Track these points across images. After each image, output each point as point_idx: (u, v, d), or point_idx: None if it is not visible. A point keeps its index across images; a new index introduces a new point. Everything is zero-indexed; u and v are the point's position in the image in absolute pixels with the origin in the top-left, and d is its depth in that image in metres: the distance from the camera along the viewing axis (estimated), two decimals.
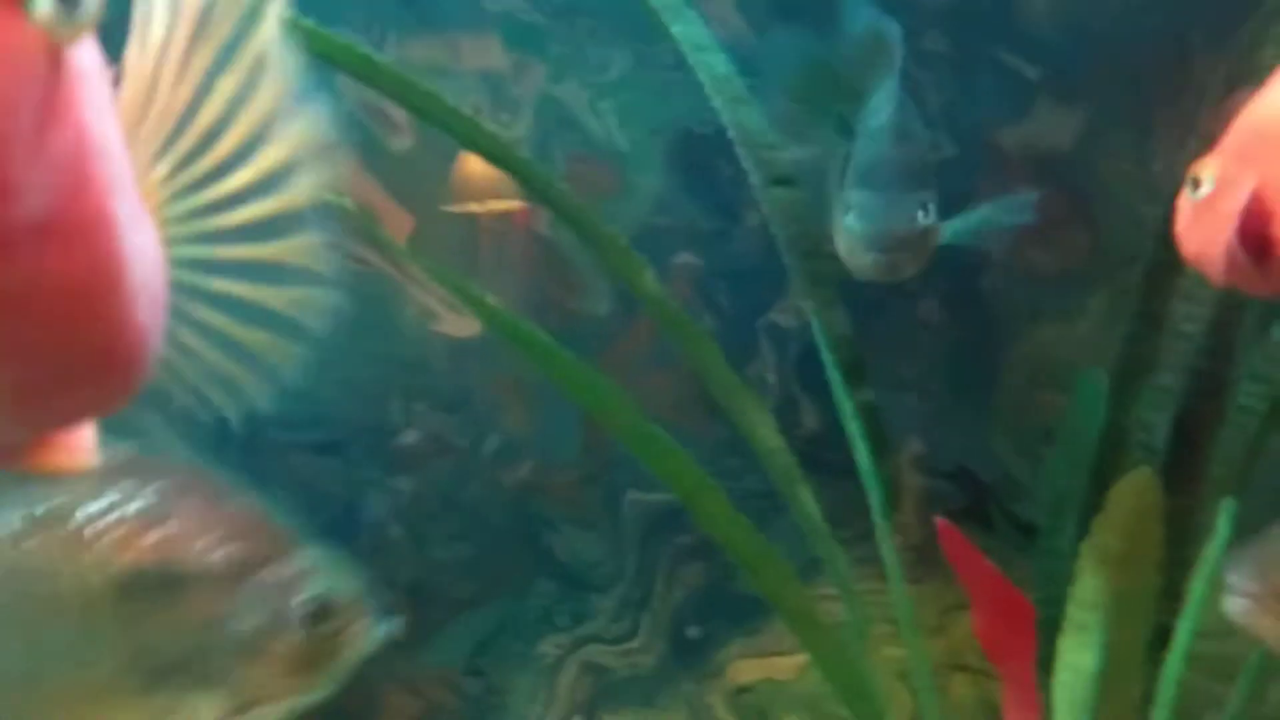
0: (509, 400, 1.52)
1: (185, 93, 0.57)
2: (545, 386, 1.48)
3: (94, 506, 0.89)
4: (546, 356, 1.15)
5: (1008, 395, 1.59)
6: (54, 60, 0.43)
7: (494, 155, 1.19)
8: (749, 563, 1.27)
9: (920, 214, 1.22)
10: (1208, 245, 0.93)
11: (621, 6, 1.49)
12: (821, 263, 1.31)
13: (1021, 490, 1.56)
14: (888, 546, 1.28)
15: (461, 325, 1.49)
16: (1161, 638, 1.15)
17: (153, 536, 0.91)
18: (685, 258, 1.54)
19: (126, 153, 0.49)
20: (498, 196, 1.47)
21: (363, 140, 1.48)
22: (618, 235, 1.21)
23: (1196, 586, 1.12)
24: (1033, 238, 1.57)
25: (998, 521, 1.58)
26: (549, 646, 1.54)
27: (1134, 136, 1.56)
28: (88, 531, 0.88)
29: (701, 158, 1.53)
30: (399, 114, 1.48)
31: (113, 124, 0.48)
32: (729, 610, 1.55)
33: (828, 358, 1.31)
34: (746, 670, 1.55)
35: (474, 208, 1.46)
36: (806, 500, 1.24)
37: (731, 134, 1.29)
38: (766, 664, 1.53)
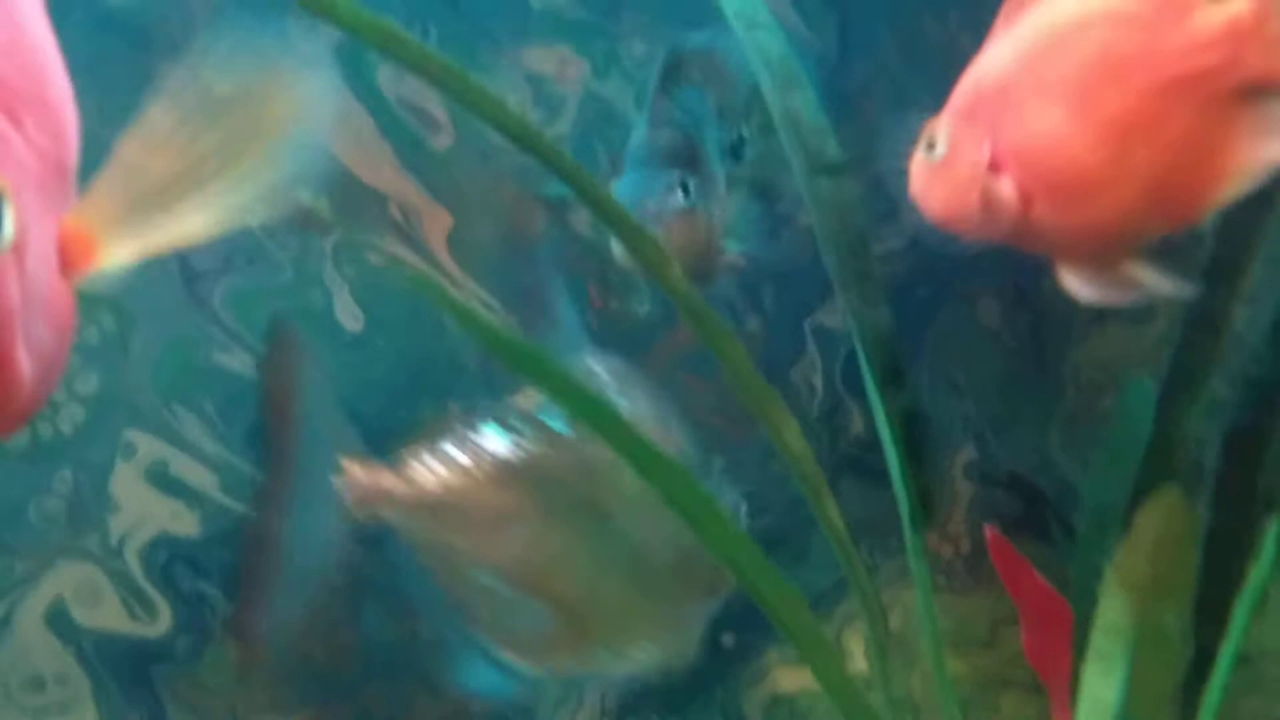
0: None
1: (171, 166, 0.70)
2: None
3: None
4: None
5: (1069, 401, 1.53)
6: None
7: (533, 148, 1.16)
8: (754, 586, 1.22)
9: (679, 194, 1.21)
10: (952, 203, 0.98)
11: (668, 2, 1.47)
12: (865, 260, 1.26)
13: (1080, 500, 1.50)
14: (917, 559, 1.23)
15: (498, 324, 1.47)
16: (1205, 664, 1.09)
17: None
18: (731, 258, 1.50)
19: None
20: None
21: (402, 138, 1.46)
22: (648, 232, 1.18)
23: (1239, 611, 1.06)
24: None
25: (1054, 532, 1.52)
26: None
27: None
28: None
29: (746, 155, 1.49)
30: (439, 112, 1.46)
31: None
32: (766, 617, 1.51)
33: (863, 359, 1.26)
34: (785, 679, 1.50)
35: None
36: (831, 512, 1.19)
37: (777, 119, 1.25)
38: (805, 673, 1.49)
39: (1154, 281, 0.98)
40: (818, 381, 1.53)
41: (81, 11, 1.35)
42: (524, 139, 1.08)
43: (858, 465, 1.51)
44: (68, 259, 0.68)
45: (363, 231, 1.46)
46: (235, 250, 1.44)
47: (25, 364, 0.62)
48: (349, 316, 1.47)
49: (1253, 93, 0.92)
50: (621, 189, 1.21)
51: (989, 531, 1.34)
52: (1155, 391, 1.18)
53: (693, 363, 1.49)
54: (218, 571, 1.46)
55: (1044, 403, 1.53)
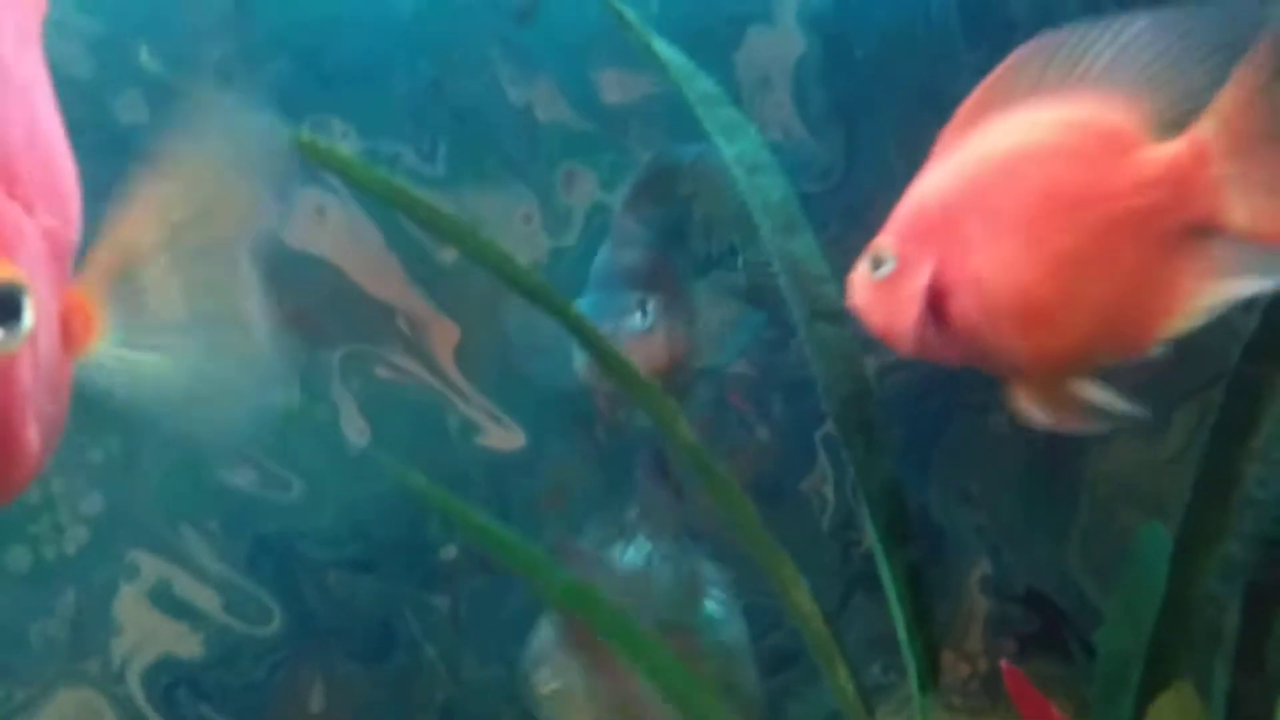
0: (551, 514, 1.48)
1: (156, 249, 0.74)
2: (588, 498, 1.44)
3: None
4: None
5: (1085, 514, 1.50)
6: None
7: (545, 303, 1.15)
8: None
9: (637, 315, 1.23)
10: (896, 322, 0.99)
11: (676, 112, 1.47)
12: (868, 408, 1.24)
13: (1099, 618, 1.46)
14: (919, 694, 1.19)
15: (504, 438, 1.46)
16: None
17: None
18: (740, 368, 1.49)
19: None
20: None
21: (410, 251, 1.46)
22: (653, 384, 1.17)
23: None
24: None
25: (1074, 651, 1.48)
26: None
27: None
28: None
29: (757, 264, 1.49)
30: None
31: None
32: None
33: (866, 511, 1.22)
34: None
35: None
36: (841, 675, 1.16)
37: (776, 264, 1.24)
38: None
39: (1106, 402, 0.98)
40: (829, 493, 1.51)
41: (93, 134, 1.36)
42: (535, 294, 1.08)
43: (871, 580, 1.48)
44: (69, 333, 0.72)
45: (370, 344, 1.46)
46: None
47: (35, 441, 0.67)
48: (355, 430, 1.46)
49: (1198, 233, 0.93)
50: (581, 309, 1.21)
51: (1004, 666, 1.30)
52: (1169, 544, 1.14)
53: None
54: (220, 694, 1.43)
55: (1060, 516, 1.50)
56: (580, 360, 1.24)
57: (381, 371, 1.46)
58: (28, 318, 0.65)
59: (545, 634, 1.24)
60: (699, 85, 1.27)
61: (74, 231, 0.75)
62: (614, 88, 1.49)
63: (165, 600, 1.44)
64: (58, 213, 0.73)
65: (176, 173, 0.75)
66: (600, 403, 1.46)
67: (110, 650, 1.42)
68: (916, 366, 1.48)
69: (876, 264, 1.01)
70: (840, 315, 1.23)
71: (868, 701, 1.18)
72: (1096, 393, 0.98)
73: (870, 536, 1.24)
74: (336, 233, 1.45)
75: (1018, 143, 0.97)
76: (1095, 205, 0.94)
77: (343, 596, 1.45)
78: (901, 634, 1.21)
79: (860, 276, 1.02)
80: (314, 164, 1.13)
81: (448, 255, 1.47)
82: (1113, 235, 0.94)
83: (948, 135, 1.01)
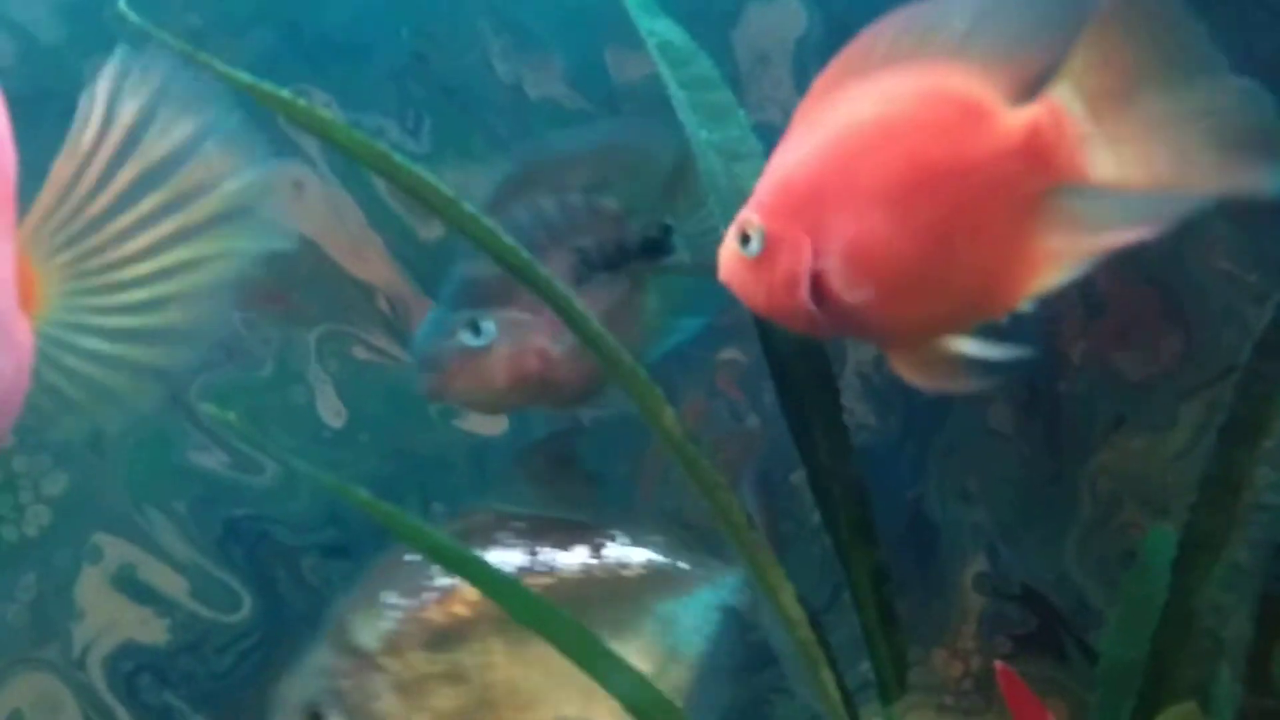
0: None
1: (103, 198, 0.70)
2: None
3: None
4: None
5: (1085, 512, 1.45)
6: None
7: (505, 263, 1.10)
8: None
9: (466, 334, 1.18)
10: (775, 300, 1.00)
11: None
12: (834, 406, 1.18)
13: (1099, 619, 1.42)
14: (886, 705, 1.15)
15: (486, 422, 1.41)
16: None
17: None
18: (730, 353, 1.45)
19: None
20: None
21: (392, 229, 1.42)
22: (638, 368, 1.11)
23: None
24: (1118, 339, 1.44)
25: (1071, 653, 1.43)
26: None
27: (1234, 229, 1.43)
28: None
29: None
30: None
31: None
32: None
33: (825, 518, 1.17)
34: None
35: None
36: (827, 682, 1.11)
37: None
38: None
39: (980, 351, 1.00)
40: None
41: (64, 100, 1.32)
42: (520, 271, 1.04)
43: None
44: (21, 294, 0.67)
45: (349, 324, 1.41)
46: (213, 344, 1.38)
47: None
48: (331, 412, 1.41)
49: (1062, 191, 0.96)
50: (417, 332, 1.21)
51: (999, 667, 1.26)
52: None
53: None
54: (185, 682, 1.38)
55: (1059, 513, 1.45)
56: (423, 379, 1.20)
57: (360, 352, 1.42)
58: None
59: None
60: (694, 68, 1.22)
61: (9, 186, 0.69)
62: (609, 64, 1.44)
63: (129, 585, 1.39)
64: None
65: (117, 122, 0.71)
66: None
67: (71, 635, 1.37)
68: None
69: (744, 240, 1.01)
70: None
71: (853, 707, 1.13)
72: (969, 346, 0.99)
73: (835, 540, 1.18)
74: (314, 208, 1.41)
75: (878, 114, 0.98)
76: (959, 175, 0.96)
77: (316, 583, 1.40)
78: (874, 638, 1.17)
79: (731, 252, 1.02)
80: (293, 126, 1.09)
81: (431, 233, 1.42)
82: (979, 203, 0.96)
83: (806, 106, 1.01)
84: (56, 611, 1.38)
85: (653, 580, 1.13)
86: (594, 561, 1.11)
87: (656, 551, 1.15)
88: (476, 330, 1.18)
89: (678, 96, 1.18)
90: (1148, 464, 1.45)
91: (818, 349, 1.16)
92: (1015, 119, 0.95)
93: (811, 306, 0.99)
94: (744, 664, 1.24)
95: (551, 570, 1.09)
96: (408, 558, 1.10)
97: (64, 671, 1.37)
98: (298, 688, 1.05)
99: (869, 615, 1.16)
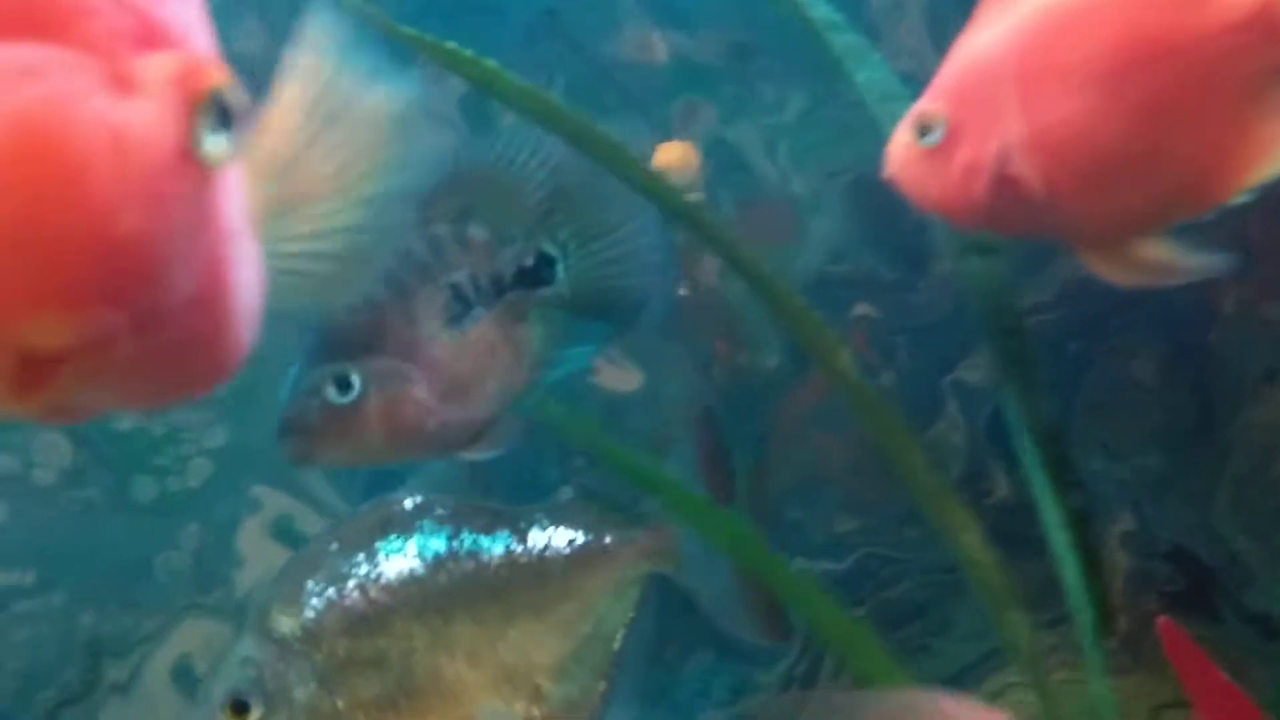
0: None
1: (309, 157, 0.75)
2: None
3: None
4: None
5: (1237, 467, 1.39)
6: (210, 181, 0.61)
7: (659, 198, 1.11)
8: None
9: (329, 392, 1.06)
10: (955, 193, 0.93)
11: (799, 44, 1.40)
12: (1023, 341, 1.17)
13: (1252, 577, 1.36)
14: (1098, 680, 1.13)
15: (621, 379, 1.42)
16: None
17: None
18: (863, 309, 1.43)
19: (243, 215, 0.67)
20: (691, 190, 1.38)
21: None
22: (809, 309, 1.11)
23: None
24: (1269, 290, 1.38)
25: (1224, 613, 1.38)
26: None
27: None
28: None
29: (881, 202, 1.42)
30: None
31: (238, 208, 0.66)
32: None
33: (1028, 449, 1.15)
34: None
35: None
36: (1017, 622, 1.10)
37: None
38: None
39: (1182, 260, 0.95)
40: (959, 441, 1.44)
41: None
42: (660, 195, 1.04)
43: (1002, 533, 1.41)
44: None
45: None
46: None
47: (240, 292, 0.65)
48: None
49: None
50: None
51: (1161, 621, 1.22)
52: None
53: (825, 420, 1.42)
54: None
55: (1209, 469, 1.40)
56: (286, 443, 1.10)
57: None
58: (234, 133, 0.61)
59: None
60: (816, 11, 1.21)
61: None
62: (736, 18, 1.43)
63: (287, 534, 1.45)
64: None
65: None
66: (720, 345, 1.42)
67: (233, 582, 1.44)
68: (1057, 310, 1.40)
69: (923, 131, 0.95)
70: (990, 248, 1.16)
71: (1040, 648, 1.13)
72: (1168, 250, 0.94)
73: (1033, 482, 1.17)
74: None
75: None
76: (1177, 51, 0.89)
77: None
78: (1073, 582, 1.15)
79: (903, 145, 0.97)
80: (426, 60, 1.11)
81: None
82: (1198, 82, 0.89)
83: None
84: (219, 560, 1.44)
85: (575, 560, 1.10)
86: (517, 546, 1.10)
87: (578, 531, 1.12)
88: (344, 386, 1.07)
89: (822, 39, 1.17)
90: None
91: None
92: None
93: (996, 199, 0.93)
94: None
95: (474, 555, 1.08)
96: (330, 548, 1.08)
97: (228, 617, 1.44)
98: (222, 677, 1.04)
99: (1079, 560, 1.15)
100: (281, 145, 0.73)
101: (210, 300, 0.63)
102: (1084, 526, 1.18)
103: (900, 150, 0.97)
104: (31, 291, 0.55)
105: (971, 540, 1.13)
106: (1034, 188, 0.92)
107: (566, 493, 1.20)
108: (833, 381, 1.12)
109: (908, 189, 0.98)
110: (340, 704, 1.02)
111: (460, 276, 1.09)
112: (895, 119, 1.16)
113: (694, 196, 1.29)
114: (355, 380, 1.06)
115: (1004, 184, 0.92)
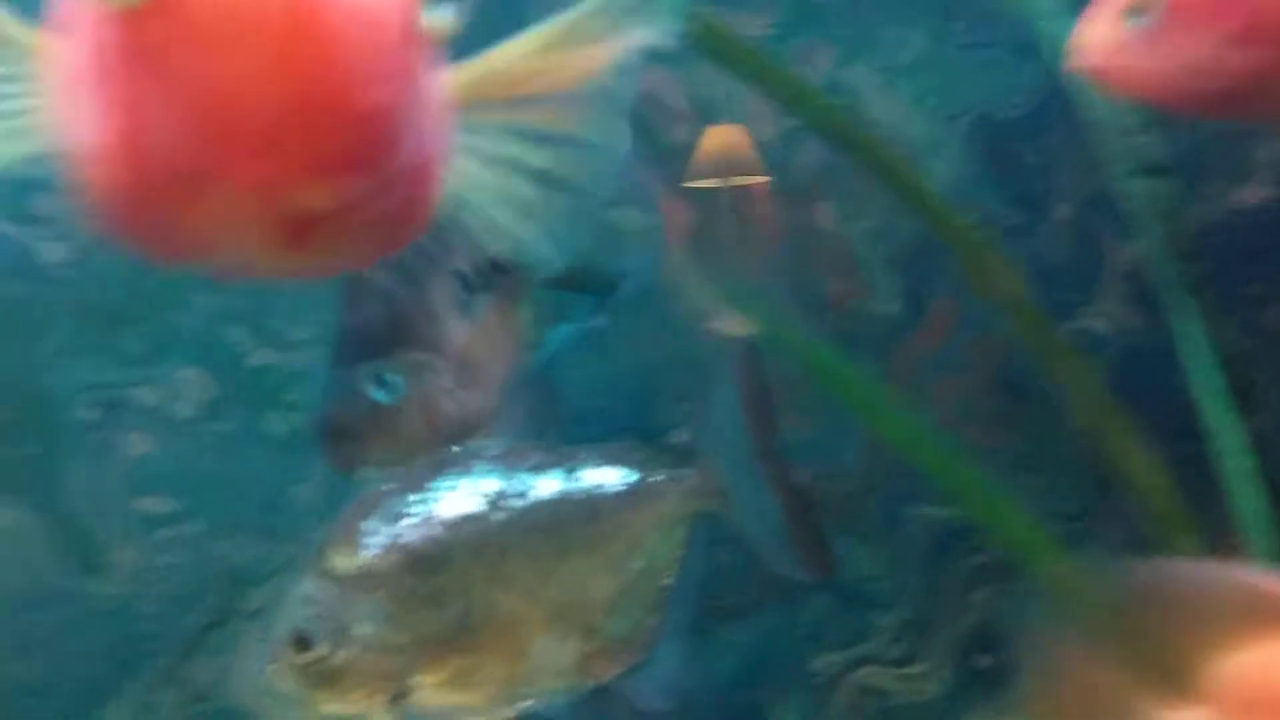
0: (785, 402, 1.44)
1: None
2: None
3: None
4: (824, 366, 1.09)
5: None
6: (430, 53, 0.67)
7: (833, 129, 1.10)
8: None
9: (370, 393, 1.04)
10: (1174, 76, 0.90)
11: None
12: (1203, 266, 1.14)
13: None
14: None
15: (736, 323, 1.42)
16: None
17: None
18: None
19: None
20: (742, 173, 1.38)
21: (641, 131, 1.43)
22: (969, 228, 1.10)
23: None
24: None
25: None
26: (820, 665, 1.46)
27: None
28: None
29: (1003, 145, 1.39)
30: (679, 104, 1.43)
31: (437, 79, 0.70)
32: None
33: (1207, 379, 1.13)
34: None
35: (713, 182, 1.38)
36: (1189, 548, 1.08)
37: (1085, 116, 1.15)
38: None
39: None
40: None
41: None
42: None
43: (1118, 483, 1.38)
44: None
45: None
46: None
47: (441, 161, 0.69)
48: None
49: None
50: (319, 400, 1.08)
51: None
52: None
53: (940, 365, 1.41)
54: None
55: None
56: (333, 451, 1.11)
57: None
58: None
59: None
60: None
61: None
62: None
63: None
64: None
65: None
66: (834, 287, 1.41)
67: None
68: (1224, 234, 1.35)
69: (1136, 13, 0.91)
70: (1164, 168, 1.14)
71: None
72: None
73: (1209, 407, 1.16)
74: None
75: None
76: None
77: None
78: (1248, 507, 1.13)
79: (1107, 31, 0.93)
80: None
81: (680, 135, 1.43)
82: None
83: None
84: (345, 493, 1.49)
85: (626, 498, 1.10)
86: (570, 484, 1.10)
87: (629, 470, 1.12)
88: (384, 383, 1.06)
89: None
90: None
91: None
92: None
93: (1226, 79, 0.89)
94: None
95: (528, 493, 1.08)
96: (386, 488, 1.09)
97: None
98: (284, 616, 1.06)
99: (1251, 490, 1.14)
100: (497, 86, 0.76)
101: (423, 166, 0.69)
102: (1268, 452, 1.14)
103: (1101, 36, 0.94)
104: (306, 158, 0.61)
105: (1137, 465, 1.10)
106: (1267, 67, 0.88)
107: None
108: (996, 301, 1.10)
109: (1107, 78, 0.95)
110: (401, 640, 1.05)
111: (464, 264, 1.09)
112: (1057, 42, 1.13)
113: (749, 180, 1.29)
114: (394, 378, 1.06)
115: (1230, 65, 0.89)
